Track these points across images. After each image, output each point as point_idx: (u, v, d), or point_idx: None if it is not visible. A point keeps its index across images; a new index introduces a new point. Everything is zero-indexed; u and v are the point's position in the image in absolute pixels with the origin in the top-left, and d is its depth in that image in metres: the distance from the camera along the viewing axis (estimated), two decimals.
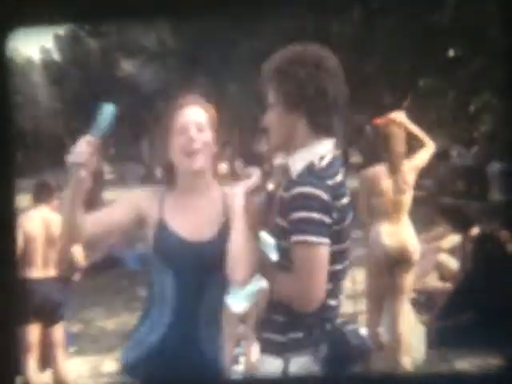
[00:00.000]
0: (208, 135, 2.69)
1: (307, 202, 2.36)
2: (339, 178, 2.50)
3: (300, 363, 2.49)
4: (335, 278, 2.50)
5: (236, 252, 2.50)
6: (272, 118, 2.58)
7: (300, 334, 2.50)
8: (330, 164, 2.50)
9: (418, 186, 15.69)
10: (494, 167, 12.96)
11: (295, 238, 2.38)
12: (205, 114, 2.72)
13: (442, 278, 8.16)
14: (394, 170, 5.37)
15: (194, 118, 2.69)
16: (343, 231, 2.49)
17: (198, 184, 2.74)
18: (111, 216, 2.67)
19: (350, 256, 2.61)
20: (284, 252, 2.50)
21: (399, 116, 5.54)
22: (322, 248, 2.37)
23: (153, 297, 2.71)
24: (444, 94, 16.68)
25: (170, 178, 2.76)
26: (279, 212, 2.51)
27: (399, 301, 5.51)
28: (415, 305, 7.71)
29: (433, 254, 8.22)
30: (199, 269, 2.64)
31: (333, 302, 2.55)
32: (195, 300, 2.66)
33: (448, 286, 7.58)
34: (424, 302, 7.74)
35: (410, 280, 5.55)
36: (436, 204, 8.38)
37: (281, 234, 2.49)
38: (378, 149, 5.59)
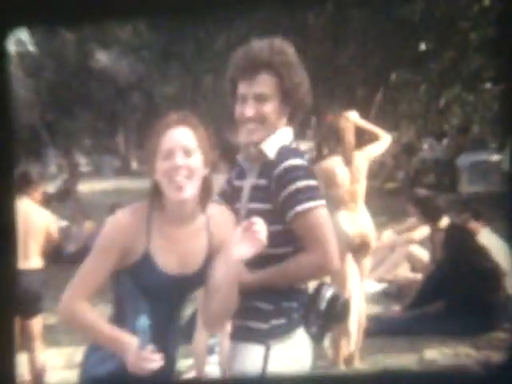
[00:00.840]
0: (196, 159, 2.45)
1: (299, 172, 2.48)
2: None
3: (280, 349, 2.53)
4: None
5: (224, 314, 2.53)
6: (267, 109, 2.58)
7: (282, 321, 2.54)
8: (297, 146, 2.67)
9: (390, 178, 15.73)
10: (465, 160, 13.09)
11: (298, 208, 2.47)
12: (193, 136, 2.46)
13: (414, 268, 8.26)
14: (348, 161, 5.55)
15: (180, 140, 2.44)
16: None
17: (184, 212, 2.52)
18: (100, 277, 2.48)
19: None
20: (277, 238, 2.52)
21: (353, 116, 5.77)
22: (324, 208, 2.52)
23: (122, 315, 2.58)
24: (416, 87, 16.79)
25: (156, 199, 2.51)
26: (262, 198, 2.57)
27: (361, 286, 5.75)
28: (387, 295, 7.86)
29: (405, 246, 8.33)
30: (178, 298, 2.63)
31: (304, 286, 2.65)
32: (169, 322, 2.64)
33: (419, 276, 7.68)
34: (395, 292, 7.85)
35: (368, 264, 5.88)
36: (408, 195, 8.45)
37: (267, 219, 2.45)
38: (330, 141, 5.78)
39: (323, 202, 2.52)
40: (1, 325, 1.44)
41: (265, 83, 2.56)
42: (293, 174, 2.47)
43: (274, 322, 2.54)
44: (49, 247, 5.97)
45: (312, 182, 2.50)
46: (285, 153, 2.55)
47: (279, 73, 2.55)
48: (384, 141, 5.89)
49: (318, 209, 2.49)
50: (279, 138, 2.60)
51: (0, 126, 1.43)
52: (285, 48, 2.60)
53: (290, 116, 2.66)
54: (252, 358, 2.54)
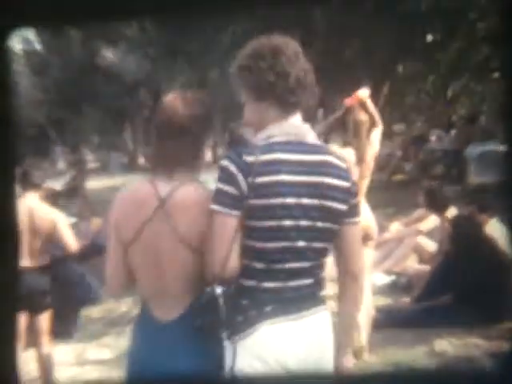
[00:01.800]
0: None
1: (220, 173, 2.50)
2: (273, 156, 2.51)
3: (243, 346, 2.51)
4: (265, 257, 2.51)
5: None
6: (249, 113, 2.68)
7: (239, 318, 2.51)
8: (271, 143, 2.56)
9: (398, 170, 15.61)
10: (473, 150, 13.03)
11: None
12: None
13: (422, 260, 8.25)
14: (361, 159, 5.50)
15: None
16: (269, 208, 2.48)
17: None
18: None
19: (295, 239, 2.53)
20: None
21: (364, 93, 5.67)
22: (224, 217, 2.46)
23: None
24: (423, 79, 16.74)
25: None
26: None
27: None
28: (395, 287, 7.85)
29: (412, 237, 8.32)
30: None
31: (268, 285, 2.53)
32: None
33: (427, 268, 7.66)
34: (404, 284, 7.84)
35: (371, 255, 5.84)
36: (416, 187, 8.46)
37: None
38: (346, 134, 5.68)
39: (227, 210, 2.47)
40: (3, 322, 1.44)
41: (243, 93, 2.69)
42: (218, 174, 2.52)
43: (231, 318, 2.52)
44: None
45: (223, 186, 2.48)
46: (229, 151, 2.64)
47: (242, 77, 2.64)
48: (380, 127, 5.74)
49: (218, 214, 2.47)
50: (257, 137, 2.64)
51: (1, 124, 1.43)
52: (250, 51, 2.62)
53: (281, 107, 2.61)
54: (226, 354, 2.54)
